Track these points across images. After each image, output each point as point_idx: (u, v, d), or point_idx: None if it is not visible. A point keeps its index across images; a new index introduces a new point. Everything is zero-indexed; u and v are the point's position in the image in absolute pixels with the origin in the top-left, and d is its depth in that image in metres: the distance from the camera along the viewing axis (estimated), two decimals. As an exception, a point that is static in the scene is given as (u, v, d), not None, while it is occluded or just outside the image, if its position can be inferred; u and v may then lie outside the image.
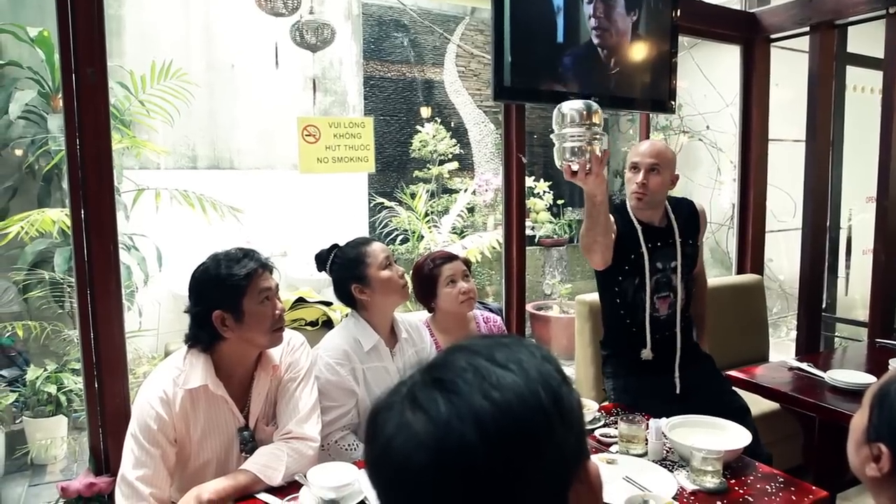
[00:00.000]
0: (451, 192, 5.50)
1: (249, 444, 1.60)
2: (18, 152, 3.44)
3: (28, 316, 3.33)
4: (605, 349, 2.28)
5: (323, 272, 1.90)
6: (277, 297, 1.59)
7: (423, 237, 4.95)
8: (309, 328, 2.26)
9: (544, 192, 5.42)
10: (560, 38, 2.52)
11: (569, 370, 2.54)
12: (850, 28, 3.31)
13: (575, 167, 1.77)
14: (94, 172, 1.88)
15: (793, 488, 1.49)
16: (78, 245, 1.89)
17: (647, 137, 3.34)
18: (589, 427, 1.78)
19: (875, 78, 3.32)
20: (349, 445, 1.75)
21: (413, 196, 5.16)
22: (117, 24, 3.93)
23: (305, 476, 1.49)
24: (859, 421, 0.89)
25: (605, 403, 2.08)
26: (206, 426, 1.55)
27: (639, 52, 2.75)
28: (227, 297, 1.50)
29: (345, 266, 1.84)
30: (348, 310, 1.91)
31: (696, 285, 2.30)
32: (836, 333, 3.90)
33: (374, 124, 2.56)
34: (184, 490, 1.48)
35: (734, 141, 3.62)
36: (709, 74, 4.70)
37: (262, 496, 1.48)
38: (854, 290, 4.25)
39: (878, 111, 2.95)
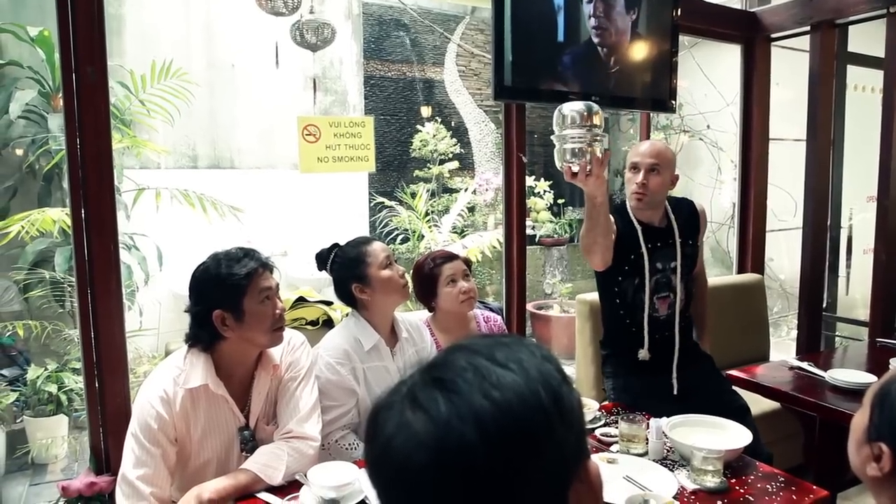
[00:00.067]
0: (452, 191, 5.50)
1: (250, 443, 1.60)
2: (19, 152, 3.44)
3: (29, 315, 3.33)
4: (604, 349, 2.28)
5: (323, 271, 1.90)
6: (278, 297, 1.59)
7: (423, 237, 4.95)
8: (309, 327, 2.26)
9: (545, 191, 5.42)
10: (560, 38, 2.52)
11: (569, 369, 2.53)
12: (850, 27, 3.30)
13: (575, 168, 1.77)
14: (95, 172, 1.88)
15: (793, 488, 1.49)
16: (78, 244, 1.89)
17: (648, 137, 3.34)
18: (589, 426, 1.78)
19: (876, 77, 3.31)
20: (349, 445, 1.75)
21: (413, 195, 5.16)
22: (117, 23, 3.93)
23: (306, 475, 1.48)
24: (860, 420, 0.89)
25: (606, 403, 2.08)
26: (207, 425, 1.55)
27: (639, 51, 2.75)
28: (227, 296, 1.50)
29: (345, 265, 1.84)
30: (349, 309, 1.91)
31: (697, 285, 2.30)
32: (837, 333, 3.90)
33: (375, 124, 2.56)
34: (184, 489, 1.48)
35: (735, 140, 3.62)
36: (709, 74, 4.70)
37: (263, 495, 1.48)
38: (855, 289, 4.25)
39: (878, 110, 2.95)
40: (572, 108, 1.79)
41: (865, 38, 3.48)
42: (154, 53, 3.64)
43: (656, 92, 2.86)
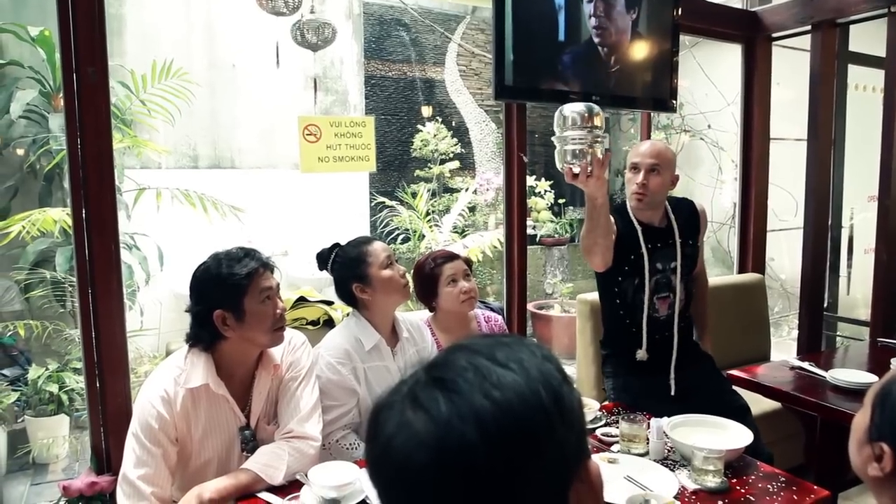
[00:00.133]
0: (452, 191, 5.50)
1: (250, 443, 1.60)
2: (20, 152, 3.45)
3: (30, 315, 3.34)
4: (604, 349, 2.28)
5: (324, 271, 1.90)
6: (278, 297, 1.59)
7: (424, 236, 4.95)
8: (310, 327, 2.26)
9: (545, 191, 5.42)
10: (561, 37, 2.51)
11: (570, 369, 2.53)
12: (851, 27, 3.30)
13: (576, 170, 1.76)
14: (96, 172, 1.88)
15: (794, 488, 1.49)
16: (79, 244, 1.89)
17: (649, 136, 3.34)
18: (590, 426, 1.78)
19: (877, 77, 3.31)
20: (350, 444, 1.75)
21: (414, 195, 5.16)
22: (118, 23, 3.94)
23: (307, 475, 1.48)
24: (861, 420, 0.89)
25: (606, 403, 2.08)
26: (208, 425, 1.55)
27: (640, 50, 2.74)
28: (228, 296, 1.50)
29: (346, 265, 1.84)
30: (349, 309, 1.91)
31: (697, 285, 2.30)
32: (838, 333, 3.89)
33: (375, 123, 2.56)
34: (185, 489, 1.48)
35: (735, 140, 3.61)
36: (710, 73, 4.69)
37: (264, 495, 1.48)
38: (855, 289, 4.25)
39: (879, 110, 2.94)
40: (573, 109, 1.79)
41: (866, 37, 3.48)
42: (155, 53, 3.64)
43: (657, 91, 2.85)
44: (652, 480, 1.49)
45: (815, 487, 1.48)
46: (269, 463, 1.52)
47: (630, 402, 2.02)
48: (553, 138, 1.84)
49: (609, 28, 2.62)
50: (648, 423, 1.69)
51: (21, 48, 3.39)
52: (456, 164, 5.47)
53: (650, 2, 2.73)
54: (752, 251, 3.43)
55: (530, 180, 5.08)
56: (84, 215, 1.88)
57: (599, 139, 1.76)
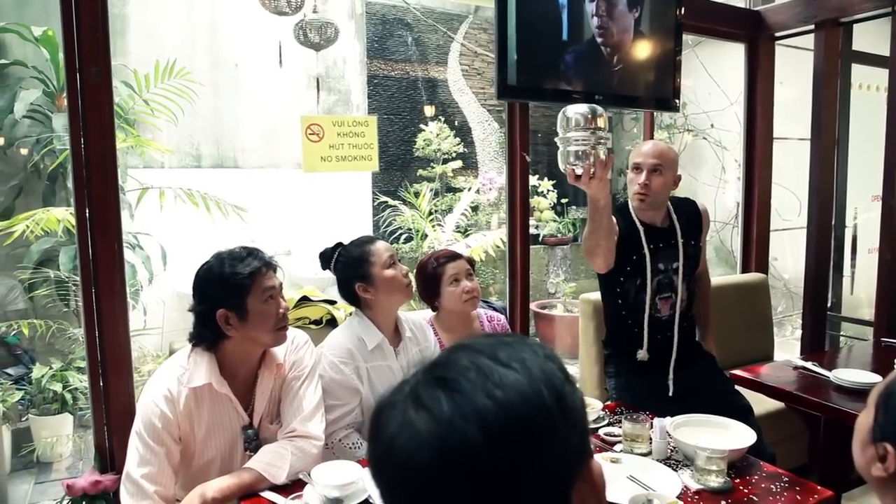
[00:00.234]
0: (455, 190, 5.50)
1: (253, 442, 1.60)
2: (23, 151, 3.46)
3: (33, 314, 3.35)
4: (606, 349, 2.28)
5: (327, 271, 1.91)
6: (281, 296, 1.59)
7: (426, 236, 4.95)
8: (313, 327, 2.26)
9: (548, 190, 5.42)
10: (564, 37, 2.51)
11: (572, 369, 2.54)
12: (855, 26, 3.29)
13: (579, 171, 1.76)
14: (99, 171, 1.88)
15: (798, 488, 1.48)
16: (83, 244, 1.90)
17: (652, 136, 3.34)
18: (593, 426, 1.78)
19: (881, 76, 3.30)
20: (353, 444, 1.75)
21: (417, 195, 5.17)
22: (121, 23, 3.95)
23: (309, 474, 1.49)
24: (865, 420, 0.89)
25: (609, 402, 2.07)
26: (211, 424, 1.55)
27: (643, 49, 2.74)
28: (231, 295, 1.50)
29: (349, 265, 1.84)
30: (352, 308, 1.91)
31: (700, 285, 2.29)
32: (842, 332, 3.88)
33: (378, 123, 2.56)
34: (188, 488, 1.48)
35: (739, 139, 3.61)
36: (713, 72, 4.68)
37: (267, 494, 1.48)
38: (859, 288, 4.23)
39: (883, 109, 2.93)
40: (576, 110, 1.78)
41: (870, 36, 3.46)
42: (158, 53, 3.65)
43: (660, 91, 2.85)
44: (655, 480, 1.49)
45: (819, 488, 1.48)
46: (272, 462, 1.52)
47: (632, 402, 2.02)
48: (556, 139, 1.84)
49: (612, 27, 2.62)
50: (651, 423, 1.68)
51: (25, 48, 3.40)
52: (459, 163, 5.47)
53: (653, 1, 2.72)
54: (756, 251, 3.42)
55: (533, 180, 5.08)
56: (88, 215, 1.88)
57: (602, 141, 1.76)
